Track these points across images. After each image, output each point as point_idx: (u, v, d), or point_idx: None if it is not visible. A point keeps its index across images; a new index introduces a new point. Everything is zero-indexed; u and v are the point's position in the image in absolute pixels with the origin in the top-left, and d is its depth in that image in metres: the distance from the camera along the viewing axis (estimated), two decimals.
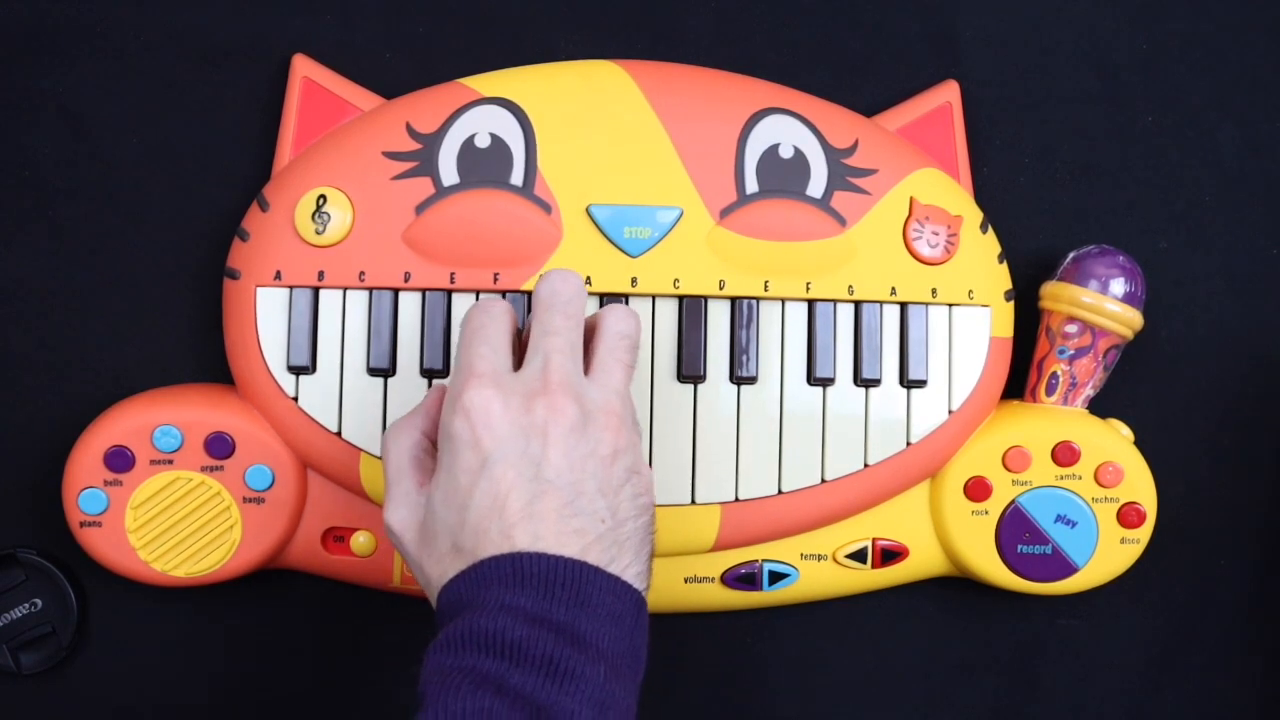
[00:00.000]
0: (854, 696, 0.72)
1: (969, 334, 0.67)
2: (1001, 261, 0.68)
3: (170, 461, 0.64)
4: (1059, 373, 0.68)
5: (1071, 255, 0.68)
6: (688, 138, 0.65)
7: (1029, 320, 0.69)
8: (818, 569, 0.68)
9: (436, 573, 0.53)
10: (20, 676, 0.68)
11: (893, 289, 0.66)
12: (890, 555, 0.68)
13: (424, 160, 0.64)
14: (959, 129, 0.69)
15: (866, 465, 0.66)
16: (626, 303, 0.65)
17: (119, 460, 0.64)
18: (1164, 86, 0.72)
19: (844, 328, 0.66)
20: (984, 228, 0.67)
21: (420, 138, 0.64)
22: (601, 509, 0.52)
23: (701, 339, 0.65)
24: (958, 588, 0.71)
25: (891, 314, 0.67)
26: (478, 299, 0.64)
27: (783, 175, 0.65)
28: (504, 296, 0.64)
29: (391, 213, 0.64)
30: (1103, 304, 0.66)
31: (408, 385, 0.65)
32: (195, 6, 0.68)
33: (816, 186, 0.66)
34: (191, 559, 0.65)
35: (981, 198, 0.69)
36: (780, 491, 0.66)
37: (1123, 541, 0.68)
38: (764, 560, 0.68)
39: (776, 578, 0.68)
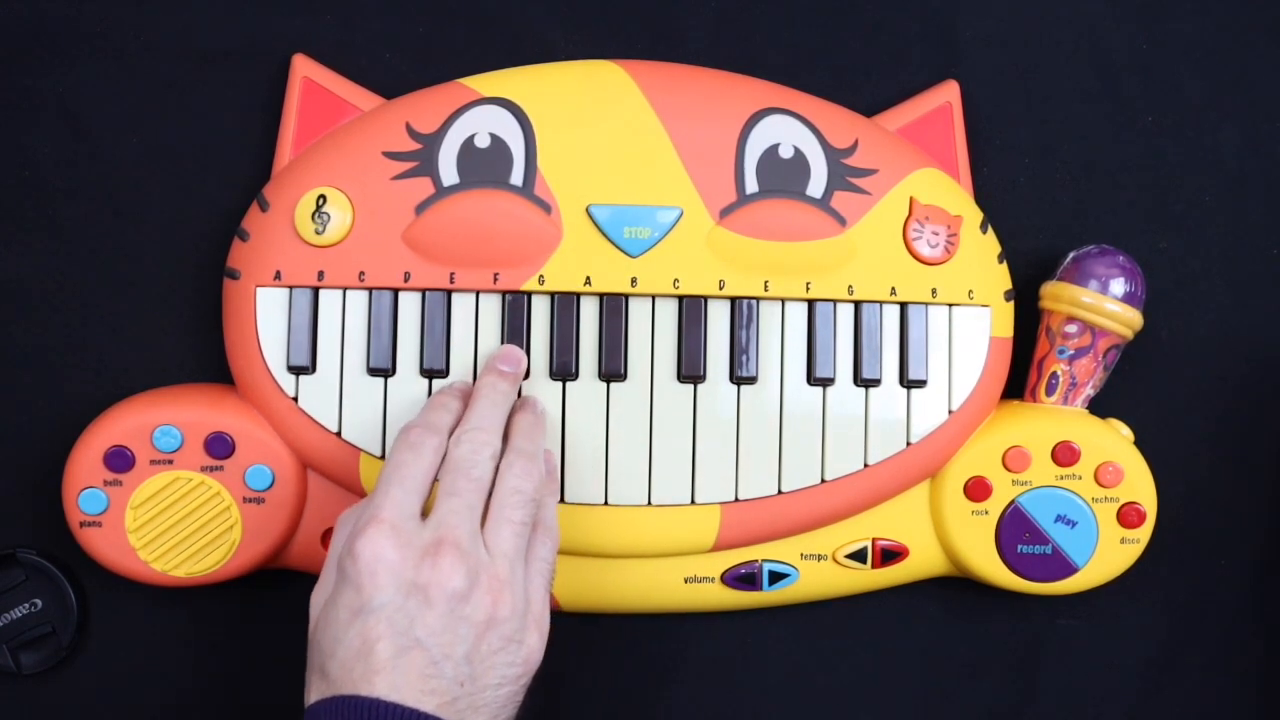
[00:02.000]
0: (854, 696, 0.72)
1: (969, 334, 0.67)
2: (1001, 261, 0.68)
3: (170, 461, 0.64)
4: (1059, 373, 0.68)
5: (1071, 255, 0.68)
6: (688, 138, 0.65)
7: (1029, 320, 0.69)
8: (818, 569, 0.68)
9: (307, 679, 0.55)
10: (20, 676, 0.68)
11: (893, 289, 0.66)
12: (890, 555, 0.68)
13: (424, 160, 0.64)
14: (959, 129, 0.69)
15: (866, 465, 0.66)
16: (626, 304, 0.65)
17: (119, 460, 0.64)
18: (1164, 86, 0.72)
19: (844, 328, 0.66)
20: (984, 228, 0.67)
21: (420, 138, 0.64)
22: (464, 674, 0.53)
23: (701, 339, 0.65)
24: (958, 588, 0.71)
25: (891, 314, 0.67)
26: (477, 299, 0.65)
27: (783, 175, 0.65)
28: (504, 297, 0.64)
29: (391, 213, 0.64)
30: (1103, 304, 0.66)
31: (408, 385, 0.65)
32: (195, 6, 0.68)
33: (816, 186, 0.66)
34: (191, 559, 0.65)
35: (981, 198, 0.69)
36: (780, 491, 0.66)
37: (1123, 541, 0.68)
38: (764, 560, 0.68)
39: (776, 578, 0.68)
